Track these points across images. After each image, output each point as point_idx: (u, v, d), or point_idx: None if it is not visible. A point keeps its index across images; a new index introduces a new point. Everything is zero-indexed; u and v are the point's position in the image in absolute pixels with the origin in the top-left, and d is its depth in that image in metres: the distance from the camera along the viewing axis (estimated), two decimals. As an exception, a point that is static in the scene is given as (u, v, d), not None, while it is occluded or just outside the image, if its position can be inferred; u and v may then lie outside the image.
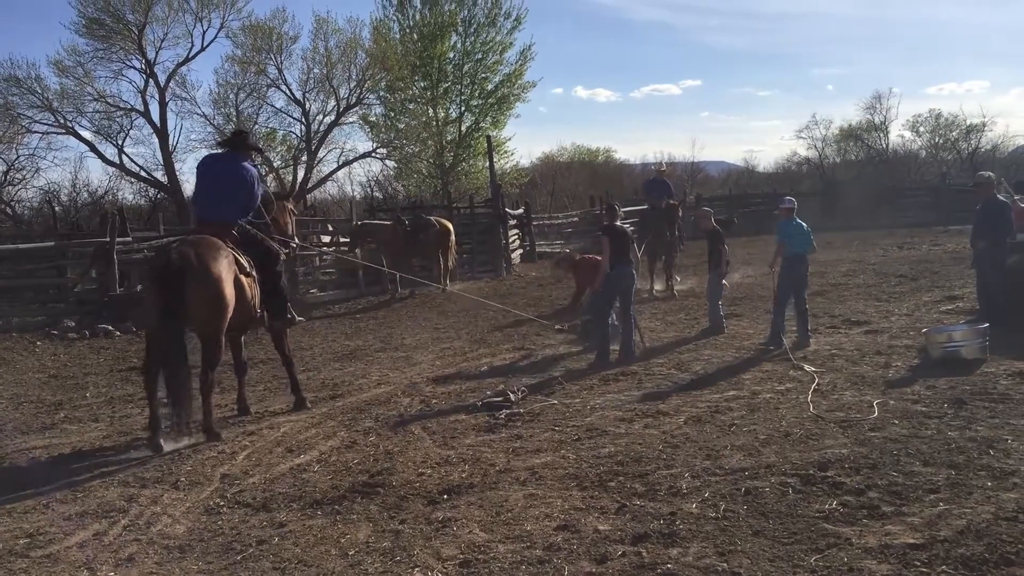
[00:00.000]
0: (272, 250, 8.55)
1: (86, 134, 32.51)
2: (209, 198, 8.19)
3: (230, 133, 8.80)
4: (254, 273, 8.17)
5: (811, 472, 5.94)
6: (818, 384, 8.63)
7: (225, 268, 7.55)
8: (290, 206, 9.67)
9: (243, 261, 7.99)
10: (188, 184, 33.21)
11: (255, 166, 8.51)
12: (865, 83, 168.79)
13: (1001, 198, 11.58)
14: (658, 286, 16.95)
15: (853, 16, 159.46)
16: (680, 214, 17.45)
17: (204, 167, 8.29)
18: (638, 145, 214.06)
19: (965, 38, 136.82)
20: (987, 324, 9.56)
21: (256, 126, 33.69)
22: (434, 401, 9.01)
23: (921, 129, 50.75)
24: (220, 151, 8.57)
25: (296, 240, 10.10)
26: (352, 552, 5.05)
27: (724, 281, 12.72)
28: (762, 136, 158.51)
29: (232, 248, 7.92)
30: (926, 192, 36.77)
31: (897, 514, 5.14)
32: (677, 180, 49.74)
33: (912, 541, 4.72)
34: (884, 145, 50.86)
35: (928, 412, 7.38)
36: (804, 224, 11.25)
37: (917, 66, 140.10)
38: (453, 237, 20.02)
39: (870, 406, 7.67)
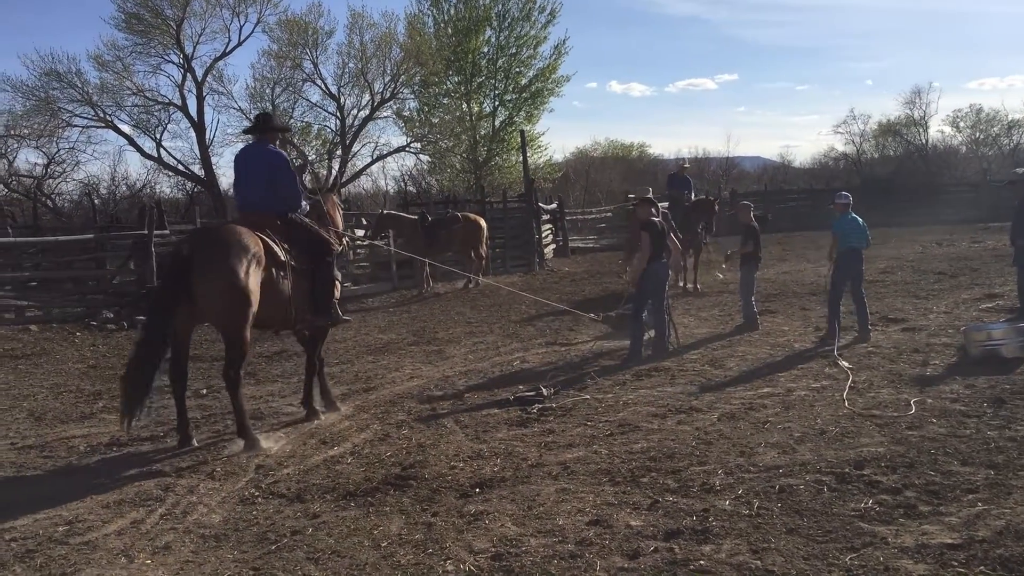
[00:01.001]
0: (322, 240, 8.20)
1: (125, 128, 33.08)
2: (245, 189, 8.08)
3: (253, 118, 8.51)
4: (294, 263, 7.80)
5: (847, 470, 5.87)
6: (854, 381, 8.54)
7: (243, 260, 7.12)
8: (335, 199, 9.34)
9: (279, 251, 7.65)
10: (225, 177, 33.66)
11: (281, 148, 8.37)
12: (905, 77, 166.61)
13: None
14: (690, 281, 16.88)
15: (894, 9, 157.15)
16: (716, 210, 17.31)
17: (238, 160, 8.23)
18: (672, 140, 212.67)
19: (1008, 31, 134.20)
20: None
21: (292, 120, 34.03)
22: (466, 395, 9.03)
23: (961, 124, 50.07)
24: (250, 142, 8.35)
25: (347, 234, 9.69)
26: (385, 543, 5.08)
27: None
28: (800, 131, 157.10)
29: (269, 238, 7.62)
30: (967, 188, 36.20)
31: (934, 514, 5.07)
32: (712, 175, 49.53)
33: (949, 541, 4.65)
34: (923, 140, 50.18)
35: (967, 411, 7.28)
36: (860, 219, 11.18)
37: (958, 60, 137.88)
38: (486, 233, 20.03)
39: (907, 404, 7.57)
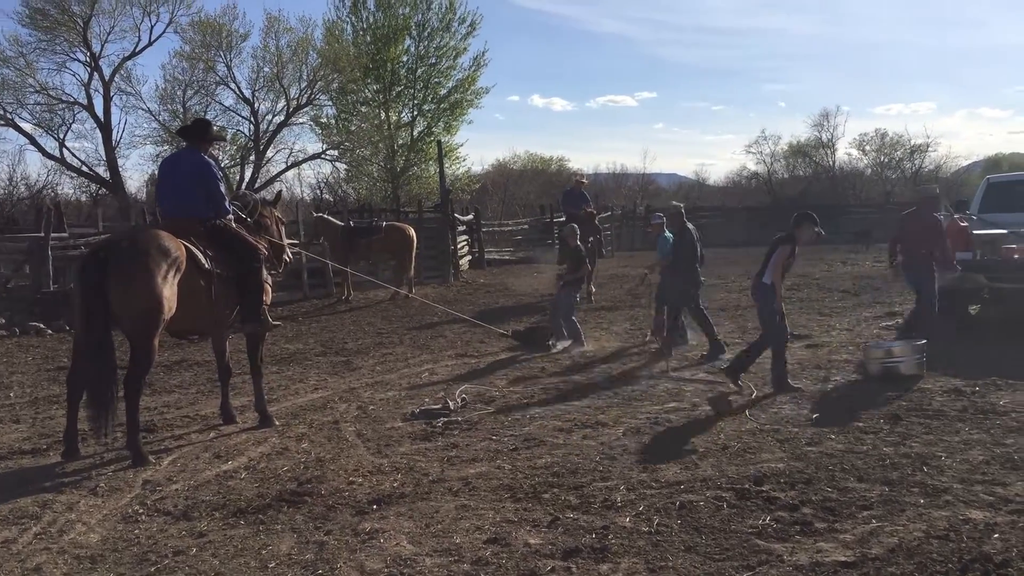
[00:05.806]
0: (249, 247, 7.99)
1: (26, 126, 31.82)
2: (170, 194, 7.90)
3: (191, 122, 8.37)
4: (219, 270, 7.61)
5: (746, 486, 5.87)
6: (756, 397, 8.63)
7: (160, 266, 6.92)
8: (277, 213, 9.12)
9: (201, 257, 7.45)
10: (131, 180, 32.64)
11: (212, 157, 8.23)
12: (815, 100, 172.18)
13: (691, 228, 11.61)
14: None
15: (807, 34, 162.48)
16: (597, 223, 17.63)
17: (164, 166, 8.10)
18: (591, 155, 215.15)
19: (914, 60, 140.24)
20: (925, 340, 9.65)
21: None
22: (371, 408, 8.82)
23: (867, 148, 51.86)
24: (180, 148, 8.15)
25: (288, 249, 9.34)
26: (273, 564, 4.85)
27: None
28: (715, 149, 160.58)
29: (192, 244, 7.43)
30: (872, 210, 37.43)
31: (830, 531, 5.09)
32: (629, 191, 50.15)
33: (843, 559, 4.66)
34: (831, 162, 51.76)
35: (864, 427, 7.38)
36: (670, 237, 12.09)
37: (865, 86, 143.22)
38: (415, 242, 19.67)
39: (808, 420, 7.67)
